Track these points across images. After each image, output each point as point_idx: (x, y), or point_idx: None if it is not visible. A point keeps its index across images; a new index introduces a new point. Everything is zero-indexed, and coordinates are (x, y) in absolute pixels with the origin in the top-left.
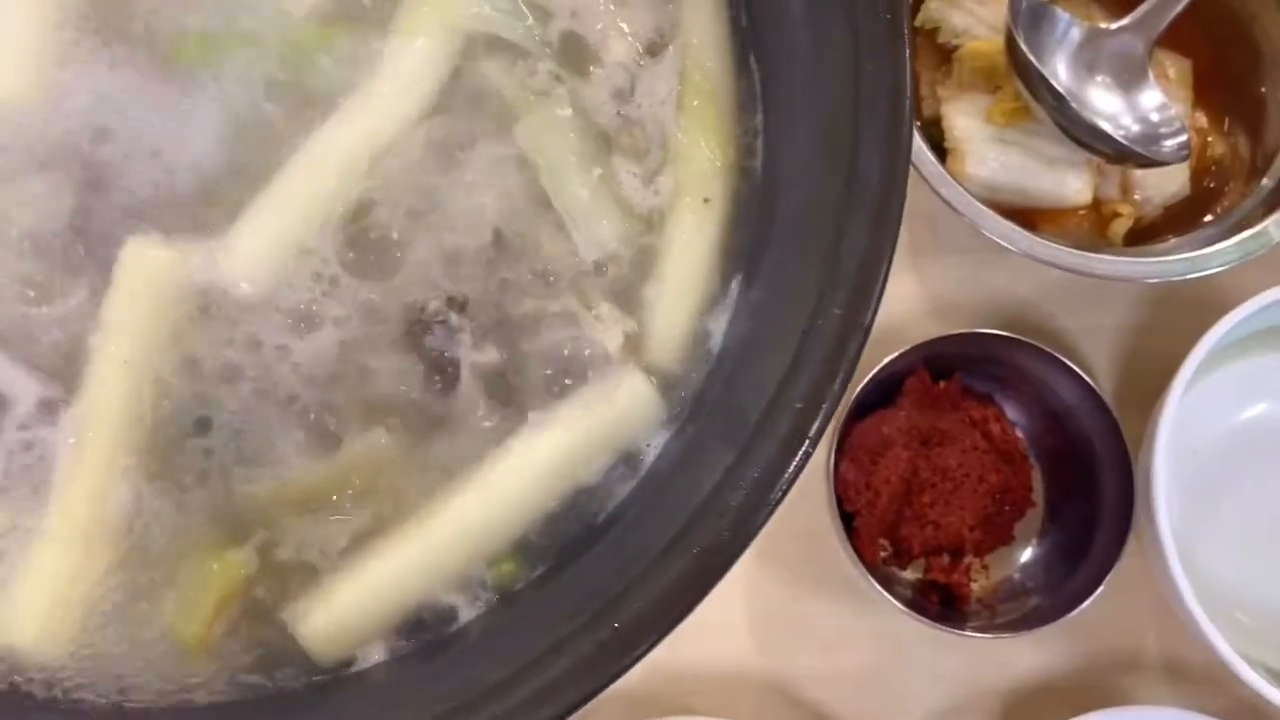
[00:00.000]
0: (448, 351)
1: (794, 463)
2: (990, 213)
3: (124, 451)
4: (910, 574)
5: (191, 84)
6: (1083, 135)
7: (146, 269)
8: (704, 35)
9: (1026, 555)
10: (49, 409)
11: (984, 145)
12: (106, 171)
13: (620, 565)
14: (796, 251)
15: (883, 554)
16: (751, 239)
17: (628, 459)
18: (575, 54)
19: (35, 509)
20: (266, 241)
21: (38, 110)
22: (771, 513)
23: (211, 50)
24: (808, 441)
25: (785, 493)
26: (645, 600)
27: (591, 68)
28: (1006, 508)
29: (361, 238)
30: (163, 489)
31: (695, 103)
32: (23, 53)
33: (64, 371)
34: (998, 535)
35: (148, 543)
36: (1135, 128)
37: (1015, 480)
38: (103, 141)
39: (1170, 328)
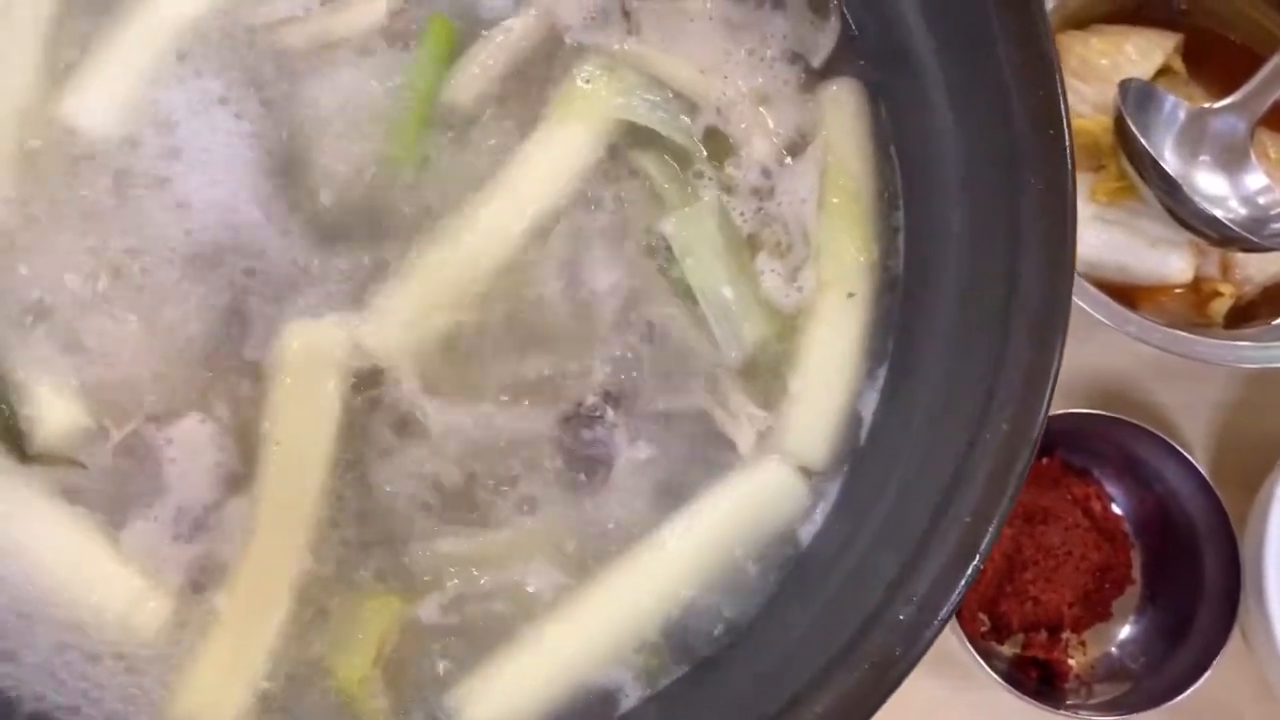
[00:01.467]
0: (600, 443)
1: (964, 579)
2: (1091, 289)
3: (297, 528)
4: (1008, 649)
5: None
6: (1190, 219)
7: (306, 350)
8: (845, 133)
9: (1125, 632)
10: (229, 486)
11: (1086, 223)
12: (260, 259)
13: (776, 671)
14: (949, 356)
15: (982, 629)
16: (896, 337)
17: (774, 555)
18: (720, 150)
19: (213, 587)
20: (412, 315)
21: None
22: (942, 628)
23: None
24: (978, 557)
25: (956, 609)
26: (815, 713)
27: (735, 164)
28: (1106, 585)
29: (509, 321)
30: (331, 563)
31: (837, 200)
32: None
33: (237, 455)
34: (1096, 612)
35: (318, 616)
36: (1242, 211)
37: (1115, 558)
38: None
39: (1270, 405)
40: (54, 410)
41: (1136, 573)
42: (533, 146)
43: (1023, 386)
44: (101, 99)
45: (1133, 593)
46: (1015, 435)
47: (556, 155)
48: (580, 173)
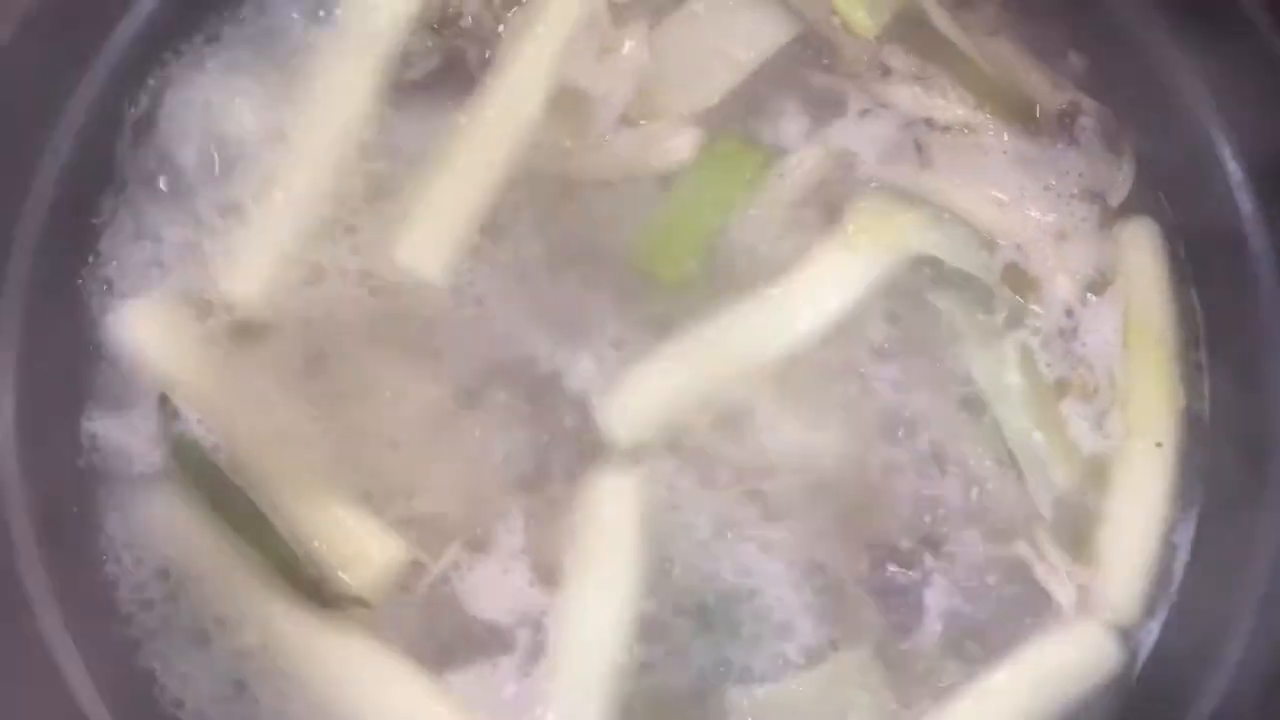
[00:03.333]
0: (913, 589)
1: None
2: None
3: (601, 676)
4: None
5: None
6: None
7: (614, 492)
8: (1145, 273)
9: None
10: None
11: None
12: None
13: None
14: (1258, 505)
15: None
16: (1205, 488)
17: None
18: (1020, 288)
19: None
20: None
21: None
22: None
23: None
24: None
25: None
26: None
27: (1037, 302)
28: None
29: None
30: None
31: (1139, 341)
32: None
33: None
34: None
35: None
36: None
37: None
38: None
39: None
40: (376, 549)
41: None
42: (823, 270)
43: None
44: (433, 248)
45: None
46: None
47: (843, 281)
48: (866, 302)
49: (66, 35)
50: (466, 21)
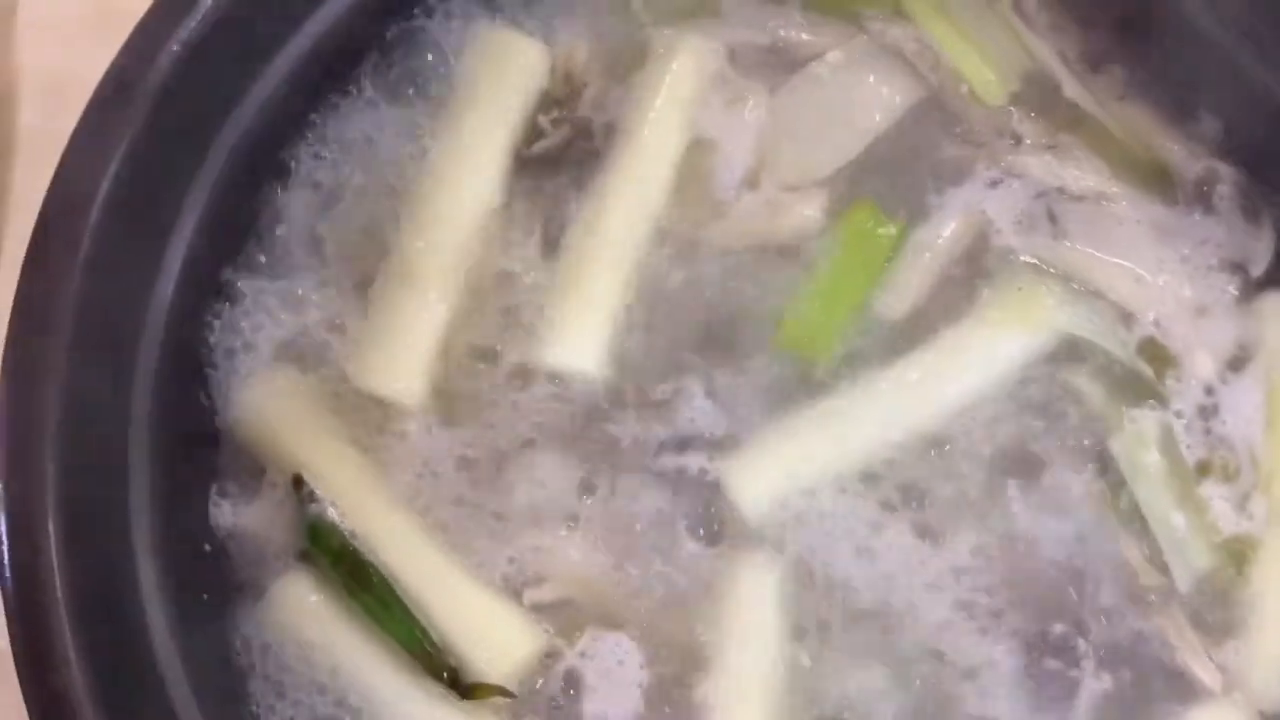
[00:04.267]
0: (1065, 674)
1: None
2: None
3: None
4: None
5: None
6: None
7: (750, 592)
8: None
9: None
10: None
11: None
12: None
13: None
14: None
15: None
16: None
17: None
18: (1158, 364)
19: None
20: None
21: None
22: None
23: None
24: None
25: None
26: None
27: (1176, 378)
28: None
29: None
30: None
31: None
32: None
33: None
34: None
35: None
36: None
37: None
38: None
39: None
40: (518, 637)
41: None
42: (958, 346)
43: None
44: (578, 334)
45: None
46: None
47: (982, 358)
48: (1005, 380)
49: (196, 119)
50: (590, 90)
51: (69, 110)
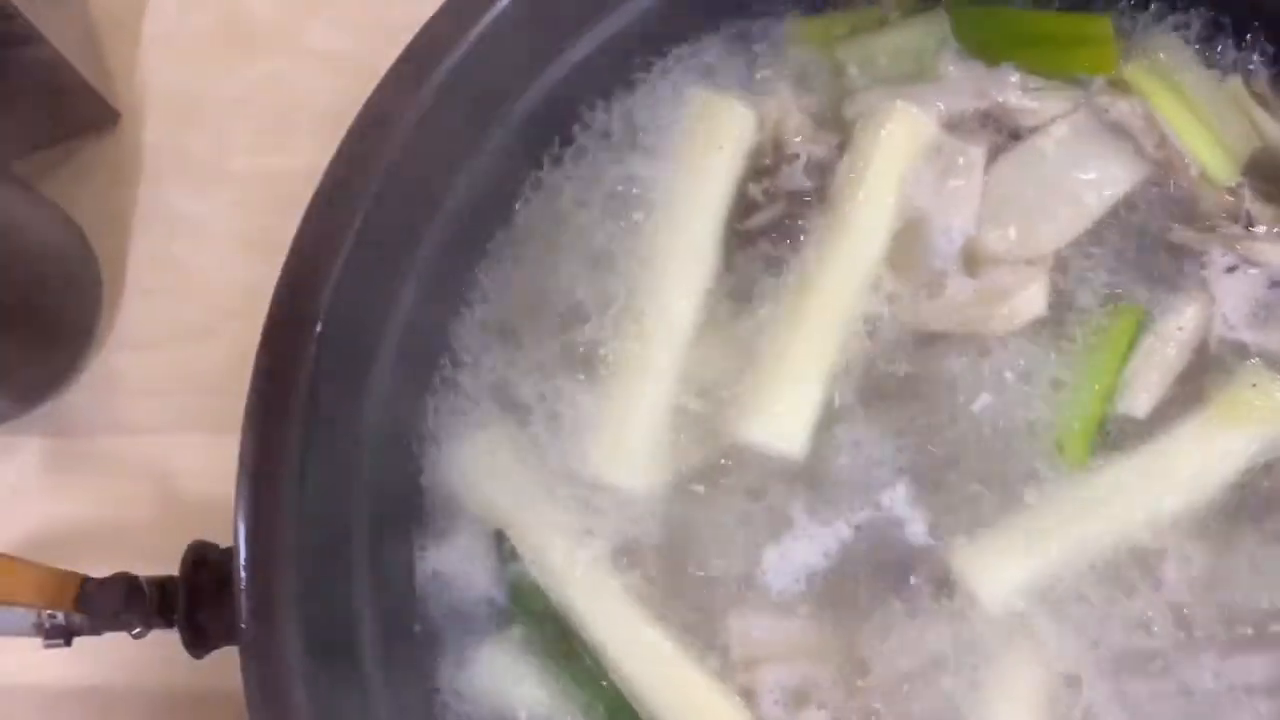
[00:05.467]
0: None
1: None
2: None
3: None
4: None
5: None
6: None
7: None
8: None
9: None
10: None
11: None
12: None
13: None
14: None
15: None
16: None
17: None
18: None
19: None
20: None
21: None
22: None
23: None
24: None
25: None
26: None
27: None
28: None
29: None
30: None
31: None
32: None
33: None
34: None
35: None
36: None
37: None
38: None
39: None
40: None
41: None
42: (1188, 446)
43: None
44: (790, 417)
45: None
46: None
47: (1209, 458)
48: (1231, 484)
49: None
50: (800, 161)
51: (193, 126)
